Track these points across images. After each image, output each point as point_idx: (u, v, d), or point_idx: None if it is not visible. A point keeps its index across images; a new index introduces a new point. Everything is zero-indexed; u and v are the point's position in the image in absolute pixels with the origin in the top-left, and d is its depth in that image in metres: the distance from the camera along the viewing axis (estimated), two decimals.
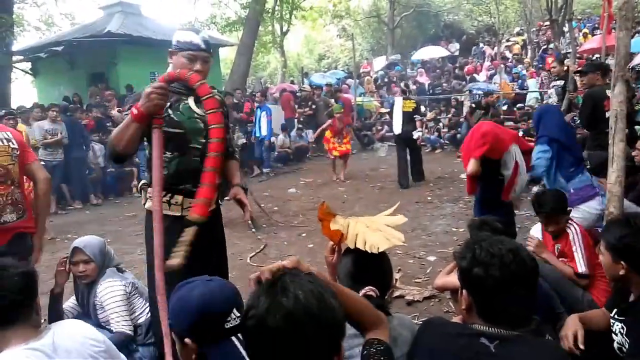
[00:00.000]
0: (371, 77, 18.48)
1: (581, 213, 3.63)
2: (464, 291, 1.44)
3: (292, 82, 19.30)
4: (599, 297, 2.67)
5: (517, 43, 20.33)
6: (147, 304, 2.71)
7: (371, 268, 1.74)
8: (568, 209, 3.03)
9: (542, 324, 2.22)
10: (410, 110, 8.01)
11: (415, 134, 7.98)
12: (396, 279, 3.86)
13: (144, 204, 2.41)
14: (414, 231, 5.40)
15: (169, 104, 2.27)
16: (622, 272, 1.87)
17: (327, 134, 9.14)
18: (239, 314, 1.39)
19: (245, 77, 15.13)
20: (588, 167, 4.40)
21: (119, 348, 2.52)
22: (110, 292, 2.61)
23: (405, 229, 5.53)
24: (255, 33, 15.67)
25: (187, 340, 1.36)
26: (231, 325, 1.38)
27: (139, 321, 2.68)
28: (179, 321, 1.39)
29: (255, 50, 19.00)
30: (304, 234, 5.70)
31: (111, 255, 2.79)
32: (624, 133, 3.13)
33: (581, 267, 2.74)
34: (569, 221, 2.94)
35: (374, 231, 1.78)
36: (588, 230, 3.17)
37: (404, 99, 8.30)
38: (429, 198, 7.08)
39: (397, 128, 8.03)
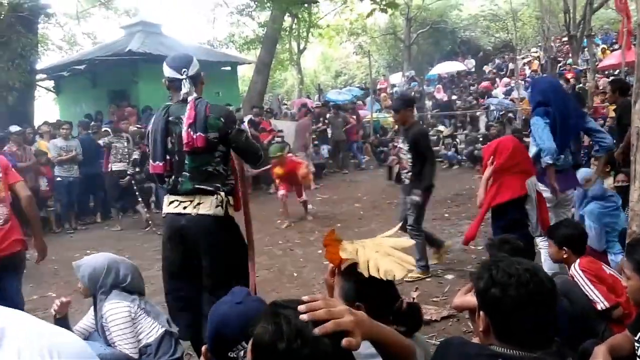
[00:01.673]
0: (387, 93, 18.54)
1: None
2: (481, 312, 1.42)
3: (308, 98, 19.48)
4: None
5: (537, 59, 20.27)
6: (156, 323, 2.65)
7: (374, 285, 1.72)
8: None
9: (564, 347, 2.16)
10: None
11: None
12: (413, 298, 3.81)
13: (226, 212, 2.67)
14: (431, 249, 5.33)
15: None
16: None
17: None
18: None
19: (262, 94, 15.28)
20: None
21: None
22: (113, 314, 2.57)
23: None
24: (273, 51, 15.86)
25: (204, 347, 1.49)
26: (234, 355, 1.39)
27: (149, 340, 2.62)
28: (207, 328, 1.50)
29: (273, 68, 19.21)
30: (320, 251, 5.68)
31: (118, 275, 2.70)
32: None
33: (600, 304, 2.58)
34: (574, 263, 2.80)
35: (384, 256, 1.76)
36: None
37: None
38: (447, 215, 7.01)
39: None
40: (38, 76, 14.24)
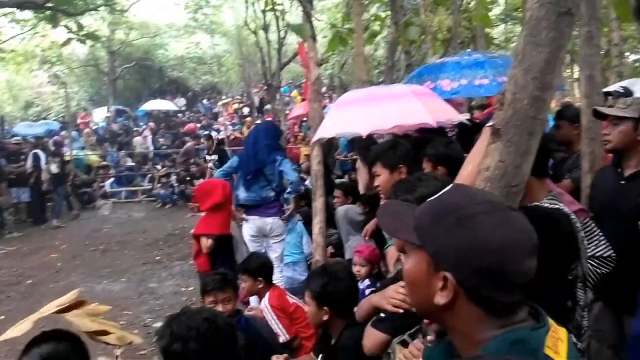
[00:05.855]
0: (91, 129, 17.18)
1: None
2: None
3: None
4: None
5: (241, 103, 21.99)
6: None
7: None
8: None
9: None
10: None
11: None
12: (117, 356, 3.49)
13: None
14: (141, 296, 5.06)
15: None
16: (325, 317, 2.08)
17: None
18: None
19: None
20: None
21: None
22: None
23: (131, 294, 5.15)
24: None
25: None
26: None
27: None
28: None
29: None
30: (2, 317, 4.72)
31: None
32: (323, 189, 3.63)
33: (282, 337, 2.88)
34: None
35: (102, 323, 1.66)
36: None
37: None
38: (158, 257, 6.79)
39: None
40: None
